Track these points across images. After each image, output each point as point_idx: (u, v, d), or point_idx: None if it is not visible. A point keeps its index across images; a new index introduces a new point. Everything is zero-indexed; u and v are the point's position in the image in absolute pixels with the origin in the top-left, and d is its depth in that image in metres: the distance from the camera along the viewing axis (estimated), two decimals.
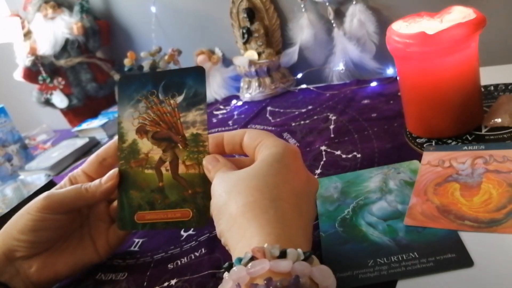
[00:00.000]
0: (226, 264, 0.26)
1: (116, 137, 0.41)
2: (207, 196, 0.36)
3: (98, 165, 0.42)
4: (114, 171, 0.40)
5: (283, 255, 0.24)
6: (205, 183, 0.37)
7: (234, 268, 0.25)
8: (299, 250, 0.25)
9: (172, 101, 0.39)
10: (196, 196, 0.37)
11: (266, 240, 0.26)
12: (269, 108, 0.78)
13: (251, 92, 0.85)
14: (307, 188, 0.33)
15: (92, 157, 0.43)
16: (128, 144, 0.40)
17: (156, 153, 0.39)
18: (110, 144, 0.42)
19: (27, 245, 0.38)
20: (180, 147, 0.39)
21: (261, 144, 0.34)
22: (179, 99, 0.39)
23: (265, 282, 0.23)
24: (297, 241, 0.28)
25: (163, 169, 0.39)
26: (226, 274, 0.25)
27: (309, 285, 0.23)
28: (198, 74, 0.39)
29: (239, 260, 0.25)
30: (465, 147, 0.43)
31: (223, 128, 0.75)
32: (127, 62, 0.98)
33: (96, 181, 0.40)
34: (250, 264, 0.24)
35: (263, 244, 0.25)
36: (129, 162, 0.40)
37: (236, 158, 0.38)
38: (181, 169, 0.38)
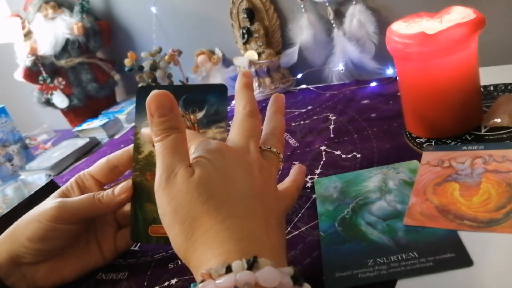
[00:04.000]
0: (192, 285, 0.25)
1: (130, 146, 0.41)
2: None
3: (109, 171, 0.42)
4: (127, 183, 0.39)
5: (229, 270, 0.24)
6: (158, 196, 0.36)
7: None
8: (244, 259, 0.24)
9: (192, 116, 0.38)
10: None
11: (217, 261, 0.25)
12: None
13: None
14: (257, 182, 0.30)
15: (102, 162, 0.42)
16: (144, 156, 0.40)
17: None
18: (123, 152, 0.42)
19: (35, 252, 0.38)
20: None
21: (191, 151, 0.31)
22: (200, 115, 0.38)
23: None
24: (252, 249, 0.26)
25: None
26: None
27: None
28: (220, 92, 0.38)
29: (194, 286, 0.25)
30: (465, 147, 0.43)
31: None
32: (127, 62, 0.98)
33: (109, 192, 0.39)
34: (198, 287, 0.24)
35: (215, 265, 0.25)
36: (144, 174, 0.39)
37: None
38: None
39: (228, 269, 0.24)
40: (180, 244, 0.28)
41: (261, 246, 0.27)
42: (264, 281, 0.23)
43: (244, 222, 0.28)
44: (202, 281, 0.24)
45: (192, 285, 0.25)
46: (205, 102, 0.38)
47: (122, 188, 0.39)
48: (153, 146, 0.38)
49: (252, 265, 0.24)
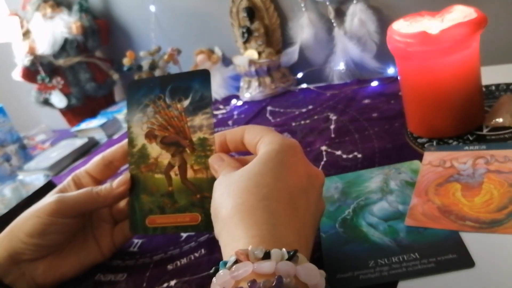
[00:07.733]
0: (213, 268, 0.25)
1: (124, 141, 0.41)
2: None
3: (104, 167, 0.42)
4: (126, 176, 0.40)
5: (267, 256, 0.24)
6: (213, 187, 0.37)
7: (220, 272, 0.24)
8: (284, 250, 0.24)
9: (179, 105, 0.39)
10: (204, 201, 0.37)
11: (251, 242, 0.26)
12: (269, 108, 0.77)
13: (251, 91, 0.85)
14: (306, 183, 0.32)
15: (97, 159, 0.42)
16: (138, 149, 0.40)
17: (165, 157, 0.39)
18: (117, 147, 0.42)
19: (34, 248, 0.38)
20: (188, 151, 0.38)
21: (261, 141, 0.34)
22: (186, 103, 0.39)
23: (248, 285, 0.22)
24: (286, 240, 0.27)
25: (172, 174, 0.39)
26: (214, 279, 0.25)
27: (294, 284, 0.23)
28: (203, 77, 0.39)
29: (224, 263, 0.25)
30: (466, 147, 0.43)
31: (223, 128, 0.75)
32: (126, 61, 0.98)
33: (107, 185, 0.40)
34: (233, 267, 0.24)
35: (248, 246, 0.25)
36: (139, 167, 0.40)
37: (242, 157, 0.38)
38: (190, 173, 0.38)
39: (266, 255, 0.24)
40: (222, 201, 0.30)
41: (294, 240, 0.27)
42: (304, 276, 0.23)
43: (282, 210, 0.28)
44: (237, 260, 0.24)
45: (221, 262, 0.25)
46: (190, 89, 0.39)
47: (120, 181, 0.40)
48: (145, 139, 0.40)
49: (292, 258, 0.24)
